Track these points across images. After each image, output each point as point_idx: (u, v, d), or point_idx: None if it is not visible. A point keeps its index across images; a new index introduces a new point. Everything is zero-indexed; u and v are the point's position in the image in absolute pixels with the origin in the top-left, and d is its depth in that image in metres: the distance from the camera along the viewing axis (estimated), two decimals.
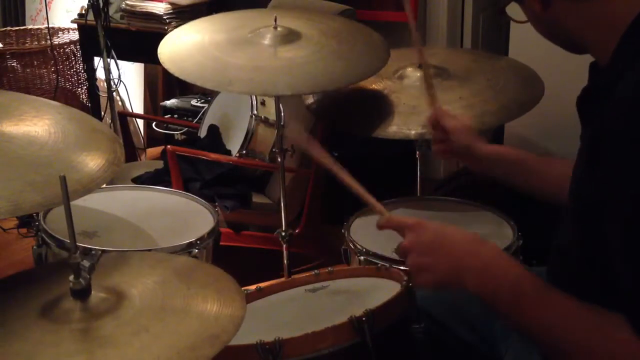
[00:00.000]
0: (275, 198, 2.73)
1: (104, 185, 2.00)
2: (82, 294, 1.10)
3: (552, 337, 1.06)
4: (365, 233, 1.87)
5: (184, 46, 2.07)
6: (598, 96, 1.09)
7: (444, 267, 1.16)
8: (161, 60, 2.03)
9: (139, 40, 3.25)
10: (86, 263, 1.09)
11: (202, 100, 3.48)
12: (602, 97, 1.06)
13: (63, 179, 1.08)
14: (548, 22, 1.18)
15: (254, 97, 2.71)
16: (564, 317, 1.05)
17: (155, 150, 3.47)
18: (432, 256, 1.18)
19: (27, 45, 4.02)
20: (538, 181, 1.55)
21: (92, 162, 1.44)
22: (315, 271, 1.55)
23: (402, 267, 1.68)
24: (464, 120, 1.71)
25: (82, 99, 3.95)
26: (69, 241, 1.10)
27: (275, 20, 2.05)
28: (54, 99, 3.11)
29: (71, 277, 1.09)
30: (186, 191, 2.28)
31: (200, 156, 2.62)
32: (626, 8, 1.08)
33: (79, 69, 3.92)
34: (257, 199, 2.72)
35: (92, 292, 1.11)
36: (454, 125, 1.65)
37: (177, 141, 3.37)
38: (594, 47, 1.14)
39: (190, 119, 3.40)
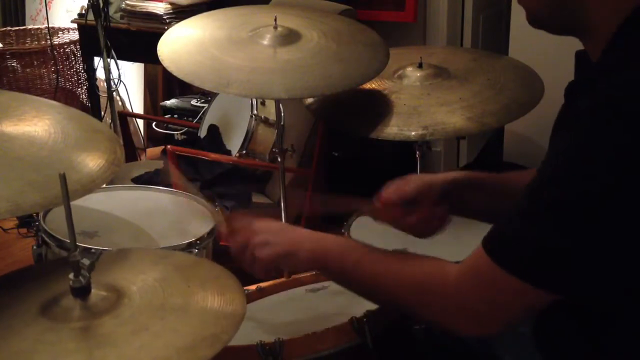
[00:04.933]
0: (275, 198, 2.73)
1: (104, 185, 2.00)
2: (82, 292, 1.10)
3: (382, 285, 1.13)
4: (365, 233, 1.87)
5: (184, 43, 2.05)
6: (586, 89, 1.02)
7: (283, 239, 1.28)
8: (160, 58, 2.01)
9: (139, 40, 3.24)
10: (86, 261, 1.09)
11: (202, 100, 3.48)
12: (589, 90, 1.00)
13: (63, 177, 1.07)
14: None
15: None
16: (392, 265, 1.14)
17: (155, 150, 3.47)
18: (274, 235, 1.29)
19: (27, 45, 4.02)
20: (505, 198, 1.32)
21: (92, 162, 1.44)
22: (316, 271, 1.55)
23: None
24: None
25: (82, 99, 3.95)
26: (69, 241, 1.10)
27: (275, 20, 2.05)
28: (54, 99, 3.10)
29: (71, 276, 1.10)
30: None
31: (200, 156, 2.62)
32: None
33: (79, 69, 3.92)
34: (257, 199, 2.72)
35: (92, 290, 1.11)
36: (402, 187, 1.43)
37: (177, 141, 3.37)
38: (594, 29, 1.05)
39: (190, 119, 3.40)
